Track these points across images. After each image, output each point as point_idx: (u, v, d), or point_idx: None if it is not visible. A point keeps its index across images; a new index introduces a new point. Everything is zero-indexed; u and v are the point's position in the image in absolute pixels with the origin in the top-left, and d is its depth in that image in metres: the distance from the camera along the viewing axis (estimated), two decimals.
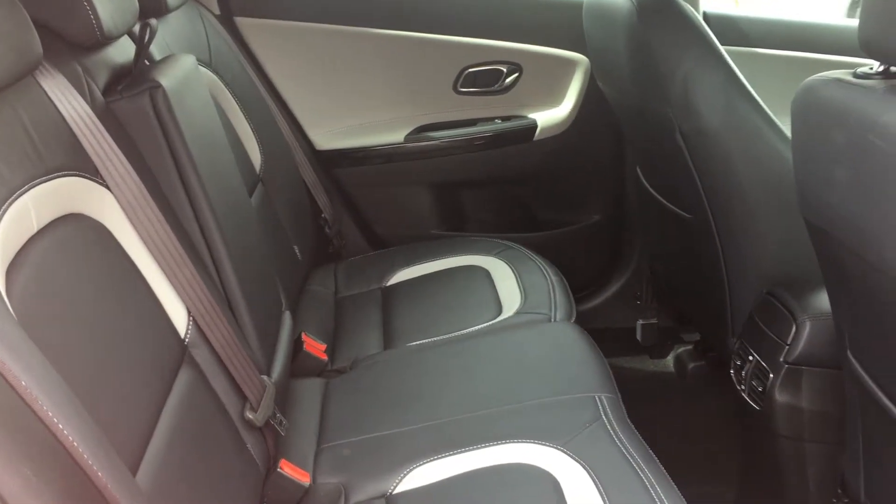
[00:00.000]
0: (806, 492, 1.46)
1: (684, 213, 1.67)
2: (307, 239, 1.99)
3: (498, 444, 1.27)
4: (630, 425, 1.30)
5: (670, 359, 2.32)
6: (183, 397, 1.07)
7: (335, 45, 2.08)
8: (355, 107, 2.13)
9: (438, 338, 1.65)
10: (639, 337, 2.31)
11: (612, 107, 2.00)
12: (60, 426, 0.73)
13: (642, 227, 2.14)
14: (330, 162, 2.13)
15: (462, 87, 2.13)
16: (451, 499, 1.20)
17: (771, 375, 1.42)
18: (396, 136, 2.14)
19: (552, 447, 1.25)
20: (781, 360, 1.41)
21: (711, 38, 1.48)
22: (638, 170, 1.96)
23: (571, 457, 1.22)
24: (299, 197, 2.00)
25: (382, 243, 2.19)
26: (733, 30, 1.96)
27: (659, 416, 2.06)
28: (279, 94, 2.07)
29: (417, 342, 1.66)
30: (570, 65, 2.11)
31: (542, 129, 2.13)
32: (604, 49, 1.77)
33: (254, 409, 1.19)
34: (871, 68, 0.99)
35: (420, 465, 1.27)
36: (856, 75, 1.01)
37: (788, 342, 1.41)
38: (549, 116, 2.14)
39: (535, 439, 1.27)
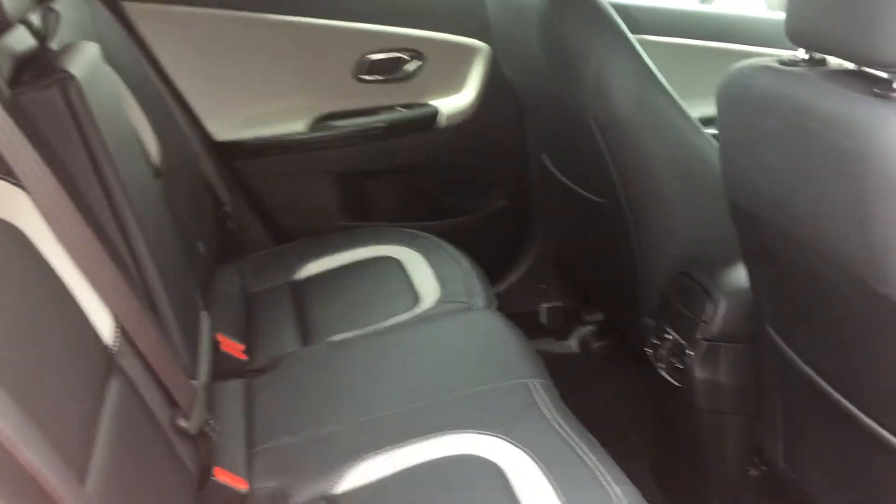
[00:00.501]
0: (724, 462, 1.53)
1: (596, 198, 1.70)
2: (210, 235, 1.91)
3: (438, 435, 1.26)
4: (565, 409, 1.32)
5: (573, 340, 2.38)
6: (115, 409, 1.00)
7: (230, 32, 2.00)
8: (254, 96, 2.05)
9: (359, 331, 1.62)
10: (543, 320, 2.36)
11: (515, 94, 2.02)
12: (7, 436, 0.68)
13: (547, 212, 2.17)
14: (230, 154, 2.05)
15: (363, 75, 2.10)
16: (398, 494, 1.19)
17: (690, 353, 1.48)
18: (298, 126, 2.08)
19: (493, 436, 1.25)
20: (700, 337, 1.47)
21: (622, 28, 1.51)
22: (544, 156, 1.98)
23: (513, 444, 1.23)
24: (199, 191, 1.91)
25: (287, 236, 2.13)
26: (644, 19, 2.02)
27: (568, 396, 2.12)
28: (173, 83, 1.97)
29: (338, 337, 1.62)
30: (472, 52, 2.11)
31: (445, 117, 2.13)
32: (513, 38, 1.78)
33: (186, 417, 1.13)
34: (797, 56, 1.04)
35: (360, 462, 1.24)
36: (782, 62, 1.05)
37: (706, 320, 1.46)
38: (452, 104, 2.14)
39: (474, 429, 1.26)
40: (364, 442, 1.27)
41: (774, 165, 1.02)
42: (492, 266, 2.28)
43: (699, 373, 1.47)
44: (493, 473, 1.18)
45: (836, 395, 1.11)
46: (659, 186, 1.55)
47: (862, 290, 0.93)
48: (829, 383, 1.12)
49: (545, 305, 2.34)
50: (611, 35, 1.50)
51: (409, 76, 2.12)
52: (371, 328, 1.63)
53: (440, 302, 1.67)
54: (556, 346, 2.37)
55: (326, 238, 2.04)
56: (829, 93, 0.91)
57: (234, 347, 1.57)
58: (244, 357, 1.57)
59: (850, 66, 0.94)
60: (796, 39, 1.00)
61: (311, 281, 1.89)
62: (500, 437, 1.24)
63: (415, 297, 1.72)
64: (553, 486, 1.14)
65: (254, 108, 2.06)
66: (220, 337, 1.54)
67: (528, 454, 1.20)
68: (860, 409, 1.06)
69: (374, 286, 1.81)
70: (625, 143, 1.53)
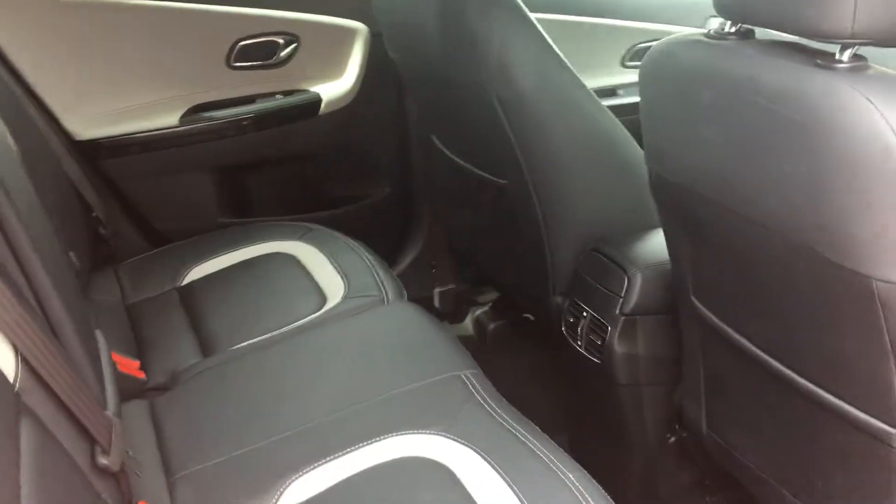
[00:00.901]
0: (643, 431, 1.56)
1: (497, 179, 1.68)
2: (80, 243, 1.74)
3: (377, 440, 1.20)
4: (501, 397, 1.29)
5: (468, 322, 2.36)
6: (32, 457, 0.87)
7: (86, 19, 1.82)
8: (118, 88, 1.88)
9: (265, 336, 1.53)
10: (437, 304, 2.33)
11: (399, 76, 1.96)
12: None
13: (439, 195, 2.13)
14: (94, 153, 1.87)
15: (236, 61, 1.97)
16: None
17: (609, 328, 1.49)
18: (169, 119, 1.93)
19: (435, 434, 1.20)
20: (617, 312, 1.48)
21: (522, 6, 1.49)
22: (434, 138, 1.94)
23: (458, 441, 1.19)
24: (66, 196, 1.74)
25: (165, 239, 1.98)
26: None
27: None
28: (23, 78, 1.78)
29: (242, 344, 1.52)
30: (350, 34, 2.03)
31: (327, 103, 2.04)
32: (402, 19, 1.72)
33: (106, 453, 1.02)
34: (723, 28, 1.04)
35: (296, 478, 1.16)
36: (709, 36, 1.05)
37: (622, 295, 1.47)
38: (333, 89, 2.05)
39: (414, 429, 1.21)
40: (296, 456, 1.19)
41: (712, 140, 1.02)
42: (383, 254, 2.22)
43: (618, 347, 1.48)
44: (441, 474, 1.13)
45: (773, 362, 1.13)
46: (564, 164, 1.55)
47: (809, 261, 0.94)
48: (765, 351, 1.14)
49: (438, 290, 2.31)
50: (513, 14, 1.47)
51: (285, 61, 2.01)
52: (278, 332, 1.53)
53: (347, 297, 1.60)
54: (451, 330, 2.35)
55: (209, 238, 1.92)
56: (772, 66, 0.92)
57: (129, 365, 1.44)
58: (141, 375, 1.44)
59: (785, 37, 0.95)
60: (726, 12, 1.00)
61: (200, 285, 1.76)
62: (443, 435, 1.20)
63: (320, 295, 1.64)
64: (506, 480, 1.11)
65: (118, 102, 1.89)
66: (114, 355, 1.40)
67: (474, 450, 1.16)
68: (800, 374, 1.09)
69: (272, 286, 1.71)
70: (529, 121, 1.51)
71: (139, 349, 1.58)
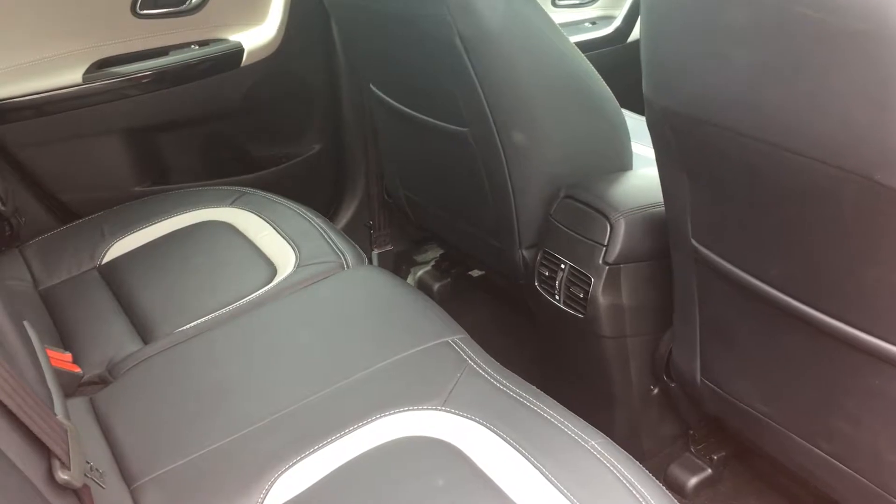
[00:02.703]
0: (628, 384, 1.48)
1: (457, 127, 1.54)
2: None
3: (368, 421, 1.06)
4: (496, 362, 1.18)
5: (409, 283, 2.23)
6: None
7: None
8: (7, 42, 1.63)
9: (213, 315, 1.36)
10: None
11: (328, 20, 1.79)
12: None
13: (380, 148, 1.98)
14: None
15: (143, 8, 1.75)
16: (342, 498, 0.98)
17: (592, 280, 1.39)
18: (70, 77, 1.69)
19: (433, 409, 1.08)
20: (600, 262, 1.38)
21: None
22: (374, 88, 1.78)
23: (458, 415, 1.07)
24: None
25: (74, 213, 1.76)
26: None
27: None
28: None
29: (187, 326, 1.34)
30: None
31: (249, 54, 1.85)
32: None
33: (66, 467, 0.84)
34: None
35: (282, 472, 1.01)
36: None
37: (605, 243, 1.38)
38: (255, 38, 1.86)
39: (408, 405, 1.08)
40: (278, 448, 1.05)
41: (742, 63, 0.92)
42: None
43: (603, 299, 1.39)
44: (448, 453, 1.01)
45: (795, 303, 1.06)
46: (533, 106, 1.43)
47: (858, 190, 0.86)
48: (785, 291, 1.07)
49: (377, 251, 2.16)
50: None
51: (198, 6, 1.80)
52: (226, 309, 1.36)
53: (302, 265, 1.44)
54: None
55: (127, 209, 1.71)
56: None
57: (60, 359, 1.24)
58: (76, 368, 1.25)
59: None
60: None
61: (124, 262, 1.57)
62: (442, 410, 1.07)
63: (269, 265, 1.48)
64: (523, 454, 0.99)
65: (8, 59, 1.64)
66: (46, 350, 1.20)
67: (480, 423, 1.05)
68: (829, 314, 1.02)
69: (210, 258, 1.53)
70: (494, 60, 1.38)
71: (64, 340, 1.38)
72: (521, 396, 1.09)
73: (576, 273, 1.42)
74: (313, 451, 1.03)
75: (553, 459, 0.98)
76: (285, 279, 1.41)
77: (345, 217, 2.12)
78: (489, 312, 2.06)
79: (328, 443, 1.04)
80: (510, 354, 1.88)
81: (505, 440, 1.02)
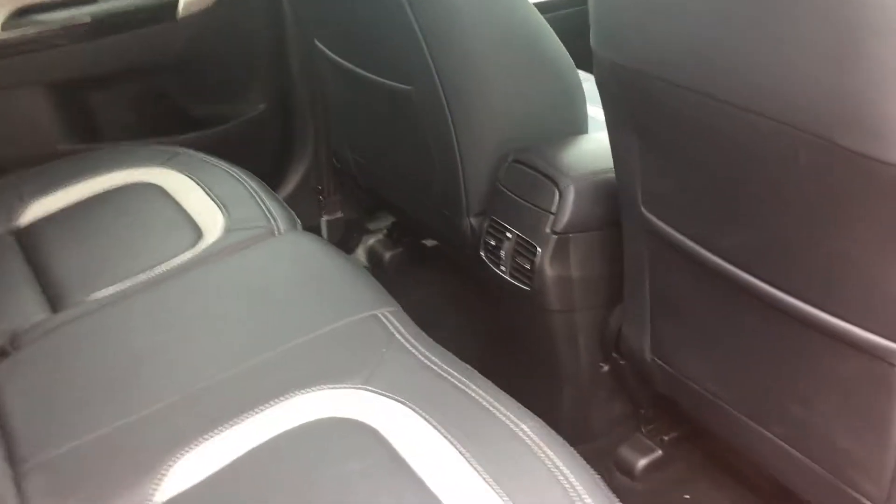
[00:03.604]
0: (576, 361, 1.40)
1: (402, 86, 1.44)
2: None
3: (281, 400, 0.97)
4: (427, 337, 1.09)
5: (360, 252, 2.14)
6: None
7: None
8: None
9: (129, 281, 1.26)
10: (324, 234, 2.09)
11: None
12: None
13: (326, 110, 1.87)
14: None
15: None
16: (246, 487, 0.89)
17: (539, 250, 1.30)
18: None
19: (353, 388, 0.99)
20: (548, 231, 1.29)
21: None
22: (318, 43, 1.67)
23: (380, 394, 0.98)
24: None
25: None
26: None
27: None
28: None
29: (100, 293, 1.24)
30: None
31: (186, 4, 1.72)
32: None
33: None
34: None
35: (181, 455, 0.92)
36: None
37: (553, 211, 1.29)
38: None
39: (328, 383, 0.99)
40: (181, 428, 0.95)
41: (698, 14, 0.83)
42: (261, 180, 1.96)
43: (550, 270, 1.30)
44: (365, 436, 0.92)
45: (748, 278, 0.98)
46: (481, 64, 1.33)
47: (818, 154, 0.78)
48: (738, 265, 0.99)
49: (326, 218, 2.06)
50: None
51: None
52: (144, 276, 1.26)
53: (229, 230, 1.34)
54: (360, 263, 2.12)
55: (50, 168, 1.60)
56: None
57: None
58: None
59: None
60: None
61: (43, 225, 1.46)
62: (363, 388, 0.98)
63: (194, 229, 1.38)
64: (446, 437, 0.91)
65: None
66: None
67: (404, 404, 0.96)
68: (784, 290, 0.94)
69: (133, 222, 1.43)
70: (441, 14, 1.28)
71: None
72: (450, 375, 1.00)
73: (522, 242, 1.33)
74: (219, 432, 0.94)
75: (479, 444, 0.90)
76: (211, 245, 1.31)
77: (292, 182, 2.02)
78: (442, 284, 1.97)
79: (235, 423, 0.95)
80: (461, 328, 1.81)
81: (429, 422, 0.93)
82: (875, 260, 0.81)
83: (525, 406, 1.53)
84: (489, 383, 1.00)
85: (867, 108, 0.71)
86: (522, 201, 1.33)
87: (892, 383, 0.88)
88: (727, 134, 0.87)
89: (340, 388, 0.99)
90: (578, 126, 1.44)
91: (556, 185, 1.28)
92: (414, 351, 1.04)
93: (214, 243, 1.31)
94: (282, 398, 0.98)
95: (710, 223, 1.01)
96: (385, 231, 2.11)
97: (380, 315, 1.10)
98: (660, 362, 1.25)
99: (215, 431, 0.94)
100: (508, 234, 1.35)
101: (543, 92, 1.40)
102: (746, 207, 0.94)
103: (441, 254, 2.01)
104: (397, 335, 1.07)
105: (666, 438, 1.42)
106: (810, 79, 0.73)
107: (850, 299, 0.87)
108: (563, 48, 1.39)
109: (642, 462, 1.43)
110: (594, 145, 1.37)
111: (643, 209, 1.12)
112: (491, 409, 0.95)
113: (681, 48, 0.87)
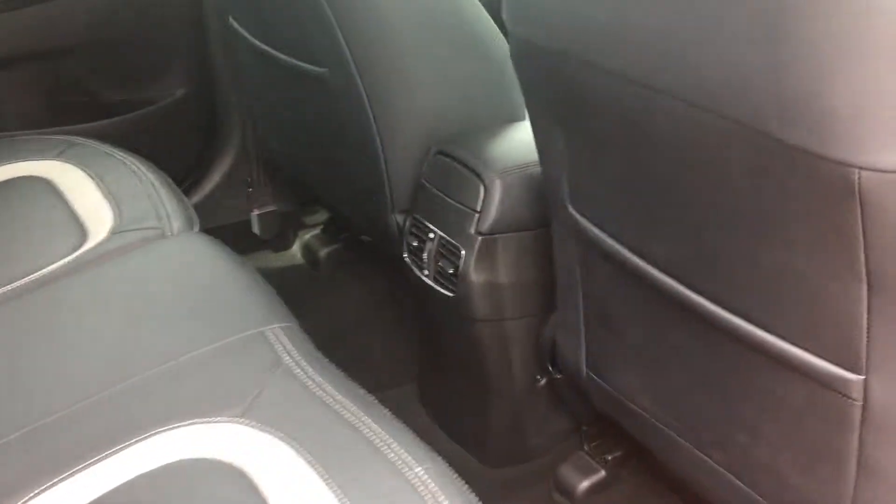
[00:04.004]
0: (508, 375, 1.26)
1: (315, 68, 1.29)
2: None
3: (142, 439, 0.83)
4: (323, 359, 0.95)
5: (296, 248, 1.99)
6: None
7: None
8: None
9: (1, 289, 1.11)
10: (256, 230, 1.94)
11: None
12: None
13: (246, 93, 1.72)
14: None
15: None
16: None
17: (463, 252, 1.16)
18: None
19: (227, 422, 0.85)
20: (472, 231, 1.15)
21: None
22: (233, 21, 1.52)
23: (257, 429, 0.84)
24: None
25: None
26: None
27: (304, 320, 1.75)
28: None
29: None
30: None
31: None
32: None
33: None
34: None
35: None
36: None
37: (478, 209, 1.15)
38: None
39: (197, 417, 0.85)
40: (16, 474, 0.81)
41: None
42: (181, 173, 1.80)
43: (475, 275, 1.16)
44: (231, 481, 0.78)
45: (679, 288, 0.85)
46: (398, 44, 1.19)
47: (755, 147, 0.64)
48: (669, 273, 0.85)
49: (256, 213, 1.91)
50: None
51: None
52: (14, 285, 1.11)
53: (116, 232, 1.19)
54: (275, 260, 1.97)
55: None
56: None
57: None
58: None
59: None
60: None
61: None
62: (239, 423, 0.84)
63: (80, 231, 1.23)
64: (328, 483, 0.77)
65: None
66: None
67: (283, 441, 0.82)
68: (719, 304, 0.81)
69: (14, 221, 1.27)
70: None
71: None
72: (343, 407, 0.86)
73: (445, 244, 1.19)
74: (61, 480, 0.80)
75: (362, 490, 0.76)
76: (93, 248, 1.16)
77: (218, 173, 1.86)
78: (381, 284, 1.83)
79: (82, 468, 0.81)
80: (394, 334, 1.67)
81: (309, 464, 0.79)
82: (820, 272, 0.68)
83: (455, 422, 1.41)
84: (387, 416, 0.86)
85: (809, 100, 0.57)
86: (446, 198, 1.19)
87: (845, 414, 0.75)
88: (652, 124, 0.74)
89: (212, 422, 0.85)
90: (513, 113, 1.30)
91: (481, 179, 1.14)
92: (303, 376, 0.90)
93: (97, 247, 1.17)
94: (140, 437, 0.83)
95: (640, 226, 0.88)
96: (322, 226, 1.96)
97: (269, 333, 0.96)
98: (596, 378, 1.12)
99: (56, 479, 0.80)
100: (431, 235, 1.21)
101: (472, 76, 1.26)
102: (679, 210, 0.80)
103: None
104: (286, 357, 0.93)
105: (610, 458, 1.30)
106: (738, 60, 0.60)
107: (794, 318, 0.74)
108: (496, 27, 1.25)
109: (584, 483, 1.30)
110: (527, 134, 1.23)
111: (570, 208, 0.98)
112: (383, 447, 0.81)
113: (596, 23, 0.73)
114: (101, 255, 1.14)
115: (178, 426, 0.84)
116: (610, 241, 0.94)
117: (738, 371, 0.85)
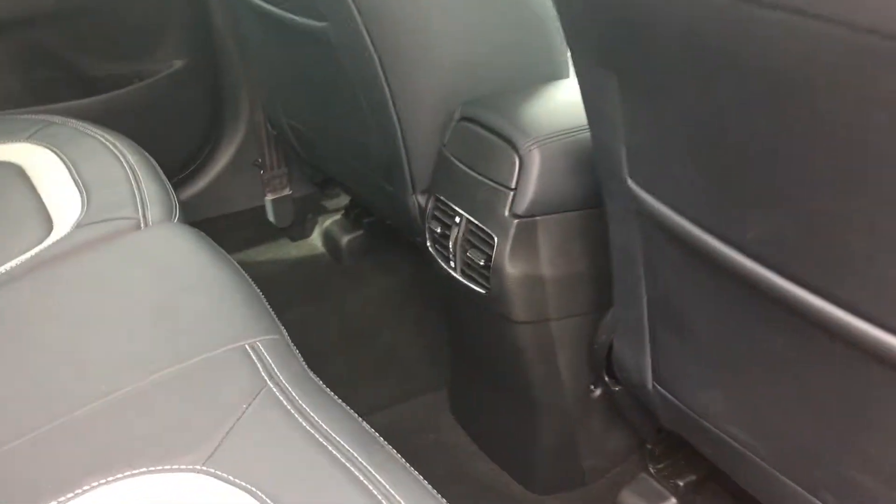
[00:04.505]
0: (557, 384, 1.05)
1: (314, 22, 1.09)
2: None
3: (82, 492, 0.64)
4: (310, 376, 0.75)
5: (316, 236, 1.80)
6: None
7: None
8: None
9: None
10: (271, 217, 1.75)
11: None
12: None
13: (255, 67, 1.52)
14: None
15: None
16: None
17: (495, 239, 0.95)
18: None
19: (187, 471, 0.65)
20: (507, 213, 0.94)
21: None
22: None
23: (224, 480, 0.64)
24: None
25: None
26: None
27: (324, 317, 1.56)
28: None
29: None
30: None
31: None
32: None
33: None
34: None
35: None
36: None
37: (513, 186, 0.93)
38: None
39: (148, 465, 0.66)
40: None
41: None
42: (179, 157, 1.62)
43: (512, 267, 0.95)
44: None
45: (782, 284, 0.62)
46: None
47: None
48: (769, 265, 0.63)
49: (270, 198, 1.72)
50: None
51: None
52: None
53: (83, 224, 1.01)
54: (293, 249, 1.78)
55: None
56: None
57: None
58: None
59: None
60: None
61: None
62: (203, 472, 0.65)
63: (45, 221, 1.04)
64: None
65: None
66: None
67: (255, 496, 0.62)
68: (839, 304, 0.58)
69: None
70: None
71: None
72: (336, 447, 0.66)
73: (474, 230, 0.98)
74: None
75: None
76: (55, 244, 0.98)
77: (225, 155, 1.68)
78: (409, 275, 1.63)
79: None
80: (423, 332, 1.47)
81: None
82: None
83: (495, 439, 1.20)
84: (391, 461, 0.66)
85: None
86: (473, 173, 0.98)
87: None
88: (757, 51, 0.51)
89: (168, 471, 0.65)
90: (554, 69, 1.08)
91: (516, 149, 0.93)
92: (288, 407, 0.70)
93: (61, 240, 0.98)
94: (72, 493, 0.64)
95: (724, 200, 0.65)
96: (343, 211, 1.76)
97: (247, 347, 0.76)
98: (664, 392, 0.90)
99: None
100: (457, 219, 1.00)
101: (506, 24, 1.05)
102: (783, 170, 0.58)
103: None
104: (269, 381, 0.72)
105: (682, 483, 1.07)
106: None
107: None
108: None
109: None
110: (572, 94, 1.01)
111: (630, 182, 0.76)
112: (374, 489, 0.61)
113: None
114: (62, 251, 0.96)
115: (121, 478, 0.65)
116: (682, 222, 0.71)
117: (861, 390, 0.63)
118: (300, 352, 1.41)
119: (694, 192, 0.69)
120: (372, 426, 1.22)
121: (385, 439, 1.22)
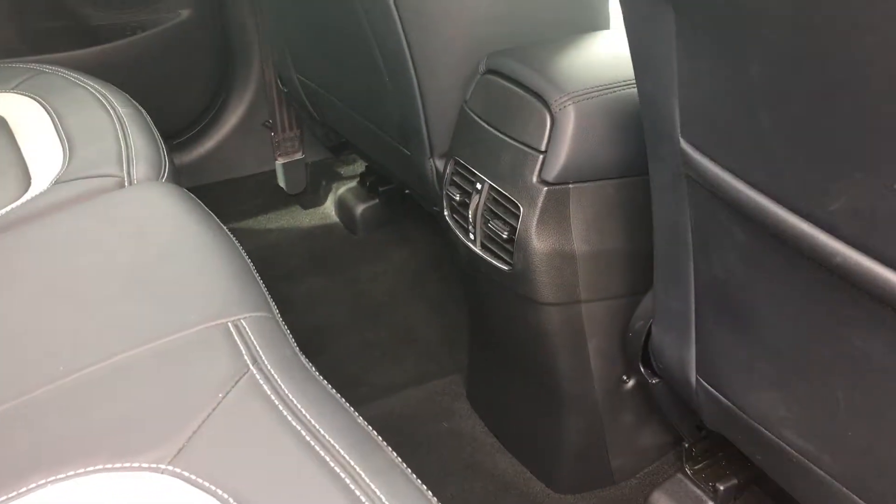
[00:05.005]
0: (586, 374, 0.94)
1: None
2: None
3: (25, 492, 0.54)
4: (301, 361, 0.64)
5: (330, 204, 1.69)
6: None
7: None
8: None
9: None
10: (282, 183, 1.64)
11: None
12: None
13: (267, 17, 1.41)
14: None
15: None
16: None
17: (521, 209, 0.83)
18: None
19: (149, 470, 0.55)
20: (536, 179, 0.82)
21: None
22: None
23: (191, 482, 0.54)
24: None
25: None
26: None
27: (336, 291, 1.45)
28: None
29: None
30: None
31: None
32: None
33: None
34: None
35: None
36: None
37: (543, 148, 0.81)
38: None
39: (107, 461, 0.56)
40: None
41: None
42: (182, 115, 1.52)
43: (539, 241, 0.84)
44: None
45: (873, 266, 0.51)
46: None
47: None
48: (855, 243, 0.52)
49: (281, 162, 1.61)
50: None
51: None
52: None
53: (62, 181, 0.91)
54: (306, 218, 1.67)
55: None
56: None
57: None
58: None
59: None
60: None
61: None
62: (166, 471, 0.55)
63: (23, 176, 0.95)
64: None
65: None
66: None
67: (225, 502, 0.52)
68: None
69: None
70: None
71: None
72: (323, 444, 0.56)
73: (497, 197, 0.86)
74: None
75: None
76: (30, 201, 0.88)
77: (234, 115, 1.57)
78: (427, 248, 1.52)
79: None
80: (441, 310, 1.37)
81: None
82: None
83: (515, 432, 1.09)
84: (390, 461, 0.55)
85: None
86: (497, 133, 0.86)
87: None
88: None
89: (127, 469, 0.55)
90: (594, 18, 0.96)
91: (547, 105, 0.81)
92: (273, 397, 0.60)
93: (37, 198, 0.88)
94: (18, 490, 0.54)
95: (803, 168, 0.54)
96: (358, 178, 1.65)
97: (230, 325, 0.65)
98: (710, 388, 0.79)
99: None
100: (478, 185, 0.89)
101: None
102: (889, 131, 0.46)
103: None
104: (253, 366, 0.62)
105: (722, 487, 0.96)
106: None
107: None
108: None
109: None
110: (613, 46, 0.89)
111: (683, 143, 0.65)
112: (360, 493, 0.51)
113: None
114: (36, 210, 0.86)
115: (73, 476, 0.55)
116: (746, 190, 0.60)
117: None
118: (307, 327, 1.31)
119: (764, 153, 0.57)
120: (382, 410, 1.11)
121: (396, 425, 1.11)
